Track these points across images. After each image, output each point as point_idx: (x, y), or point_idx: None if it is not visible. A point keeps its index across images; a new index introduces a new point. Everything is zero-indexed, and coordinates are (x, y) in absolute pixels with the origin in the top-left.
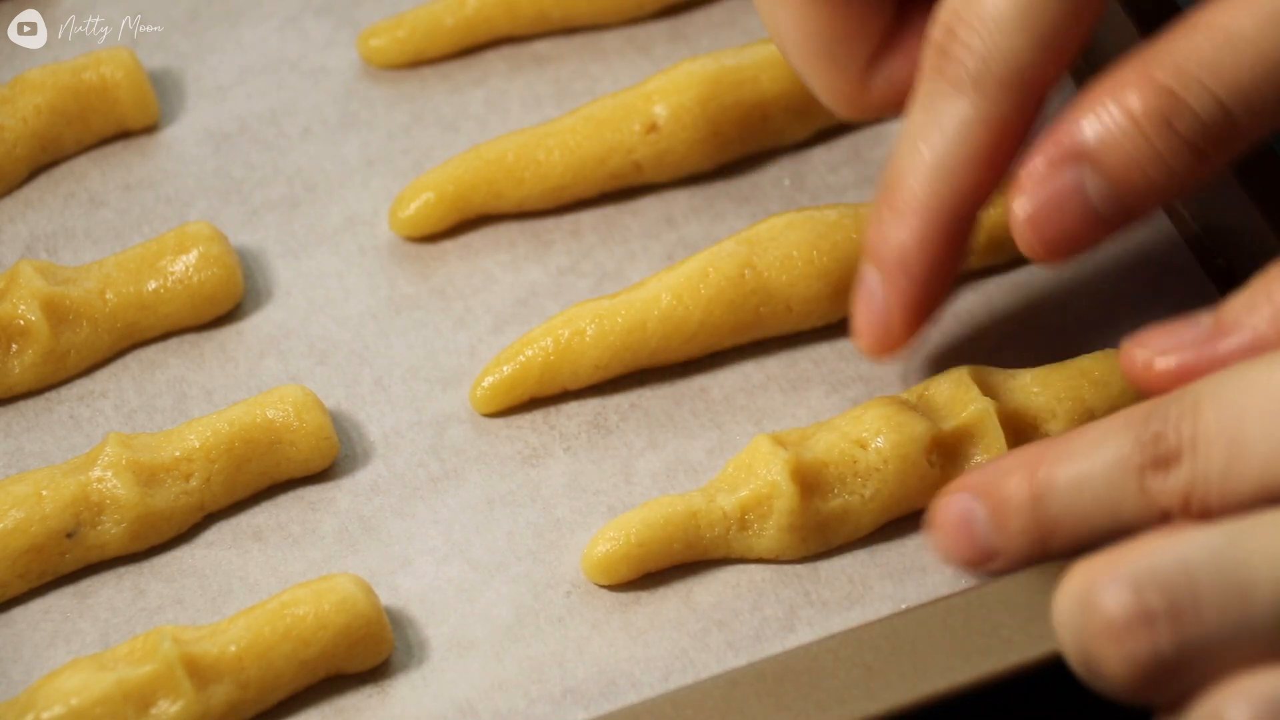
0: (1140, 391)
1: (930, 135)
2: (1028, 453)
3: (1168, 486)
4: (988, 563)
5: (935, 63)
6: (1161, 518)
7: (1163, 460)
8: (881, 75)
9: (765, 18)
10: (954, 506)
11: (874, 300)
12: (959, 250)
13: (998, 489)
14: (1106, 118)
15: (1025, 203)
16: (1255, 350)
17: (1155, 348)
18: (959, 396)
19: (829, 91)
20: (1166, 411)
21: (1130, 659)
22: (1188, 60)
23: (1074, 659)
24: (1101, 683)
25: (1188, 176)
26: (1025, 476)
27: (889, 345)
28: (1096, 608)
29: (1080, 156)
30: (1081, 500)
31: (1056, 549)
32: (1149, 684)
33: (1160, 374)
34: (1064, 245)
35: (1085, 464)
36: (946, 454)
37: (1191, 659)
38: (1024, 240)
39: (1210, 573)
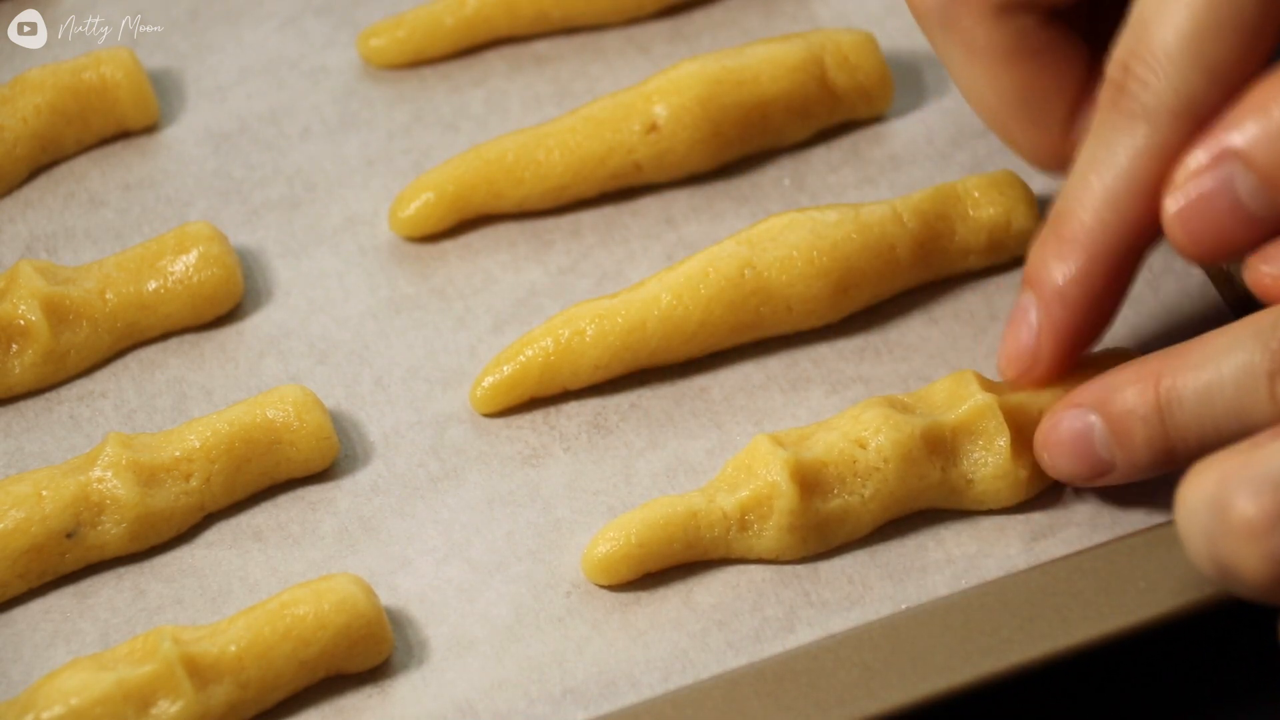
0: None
1: (1101, 167)
2: (1145, 365)
3: None
4: (1103, 475)
5: (1111, 98)
6: None
7: None
8: (1082, 128)
9: (959, 82)
10: (1067, 422)
11: (1026, 327)
12: (1121, 286)
13: (1117, 402)
14: (1260, 112)
15: (1176, 198)
16: None
17: None
18: (959, 393)
19: (1031, 149)
20: None
21: (1272, 557)
22: None
23: (1204, 561)
24: (1235, 583)
25: None
26: (1149, 387)
27: (1033, 375)
28: (1233, 509)
29: (1232, 154)
30: (1212, 408)
31: (1182, 457)
32: None
33: None
34: (1213, 244)
35: (1213, 372)
36: (947, 452)
37: None
38: (1174, 237)
39: None
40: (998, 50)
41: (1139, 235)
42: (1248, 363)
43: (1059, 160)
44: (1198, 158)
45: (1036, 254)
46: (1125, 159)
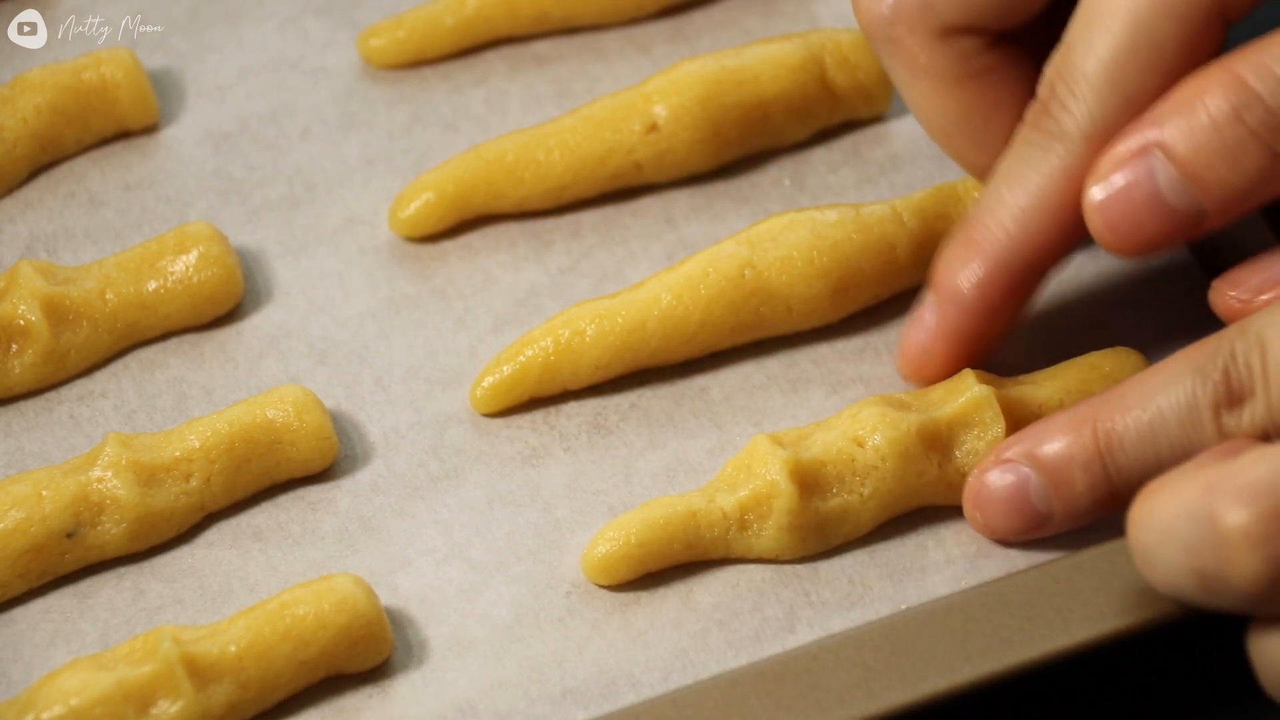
0: None
1: (1015, 181)
2: (1075, 412)
3: (1244, 421)
4: (1040, 528)
5: (1034, 116)
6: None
7: (1236, 396)
8: None
9: (905, 99)
10: (997, 478)
11: (922, 325)
12: (1020, 299)
13: (1050, 452)
14: (1184, 107)
15: (1098, 187)
16: None
17: (1250, 286)
18: (957, 389)
19: (974, 167)
20: (1231, 348)
21: (1268, 561)
22: (1268, 55)
23: (1181, 576)
24: (1221, 594)
25: (1259, 176)
26: (1085, 433)
27: (923, 371)
28: (1225, 518)
29: (1155, 146)
30: (1155, 446)
31: (1124, 500)
32: None
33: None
34: (1131, 234)
35: (1154, 410)
36: (944, 446)
37: None
38: (1094, 227)
39: None
40: (941, 72)
41: (1043, 251)
42: (1189, 397)
43: None
44: (1122, 149)
45: (943, 256)
46: (1038, 176)
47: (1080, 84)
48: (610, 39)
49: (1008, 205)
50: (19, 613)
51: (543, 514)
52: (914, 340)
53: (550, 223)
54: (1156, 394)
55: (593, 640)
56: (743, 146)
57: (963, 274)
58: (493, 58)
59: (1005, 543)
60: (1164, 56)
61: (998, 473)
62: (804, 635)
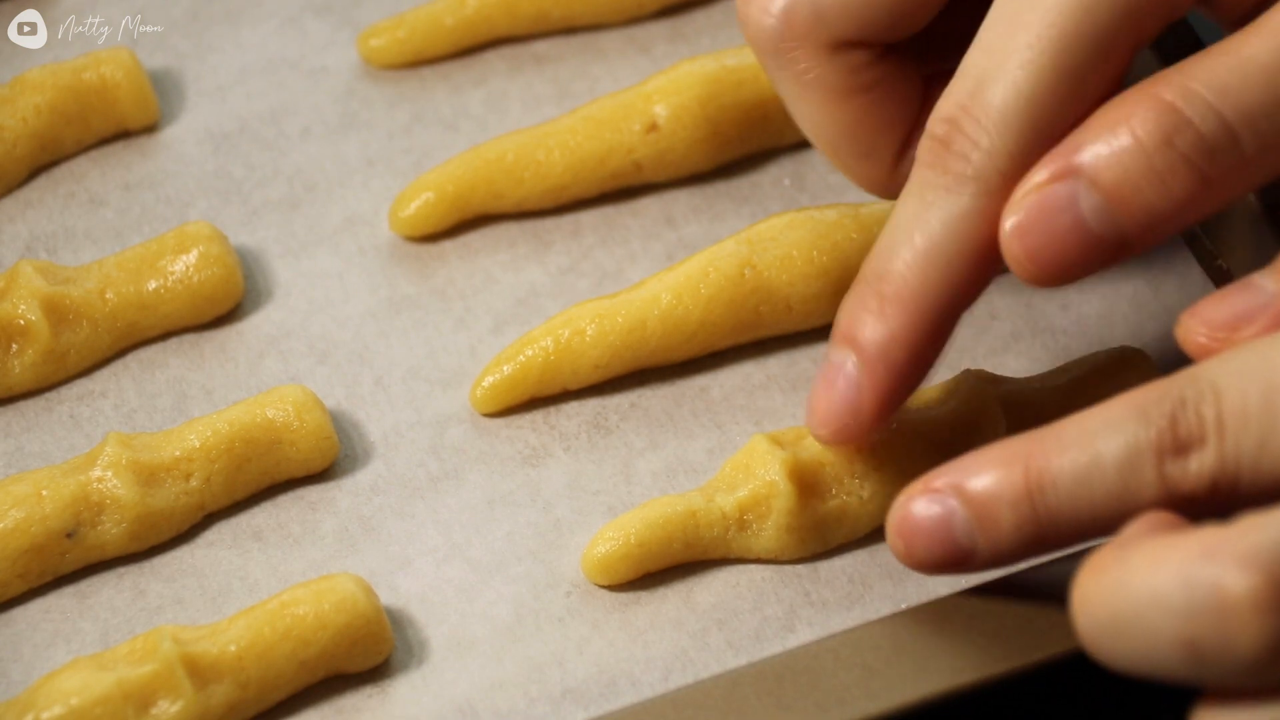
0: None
1: (926, 227)
2: (1008, 447)
3: (1191, 471)
4: (963, 564)
5: (935, 155)
6: (1180, 507)
7: (1184, 445)
8: (910, 159)
9: (792, 112)
10: (923, 507)
11: (844, 384)
12: (941, 343)
13: (979, 486)
14: (1108, 133)
15: (1016, 214)
16: None
17: (1220, 325)
18: (956, 388)
19: (863, 179)
20: (1181, 393)
21: (1277, 630)
22: (1195, 79)
23: (1178, 645)
24: (1220, 664)
25: (1188, 201)
26: (1016, 470)
27: (852, 435)
28: (1231, 584)
29: (1077, 171)
30: (1090, 490)
31: (1052, 544)
32: None
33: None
34: (1052, 262)
35: (1092, 452)
36: (944, 448)
37: None
38: (1010, 252)
39: None
40: (830, 87)
41: (964, 295)
42: (1132, 442)
43: (889, 190)
44: (1042, 176)
45: (853, 311)
46: (952, 219)
47: (994, 118)
48: (610, 39)
49: (921, 251)
50: (19, 613)
51: (543, 514)
52: (839, 402)
53: (550, 223)
54: (1096, 436)
55: (593, 640)
56: (743, 146)
57: (884, 330)
58: (493, 58)
59: (926, 574)
60: (1083, 86)
61: (924, 502)
62: (804, 635)
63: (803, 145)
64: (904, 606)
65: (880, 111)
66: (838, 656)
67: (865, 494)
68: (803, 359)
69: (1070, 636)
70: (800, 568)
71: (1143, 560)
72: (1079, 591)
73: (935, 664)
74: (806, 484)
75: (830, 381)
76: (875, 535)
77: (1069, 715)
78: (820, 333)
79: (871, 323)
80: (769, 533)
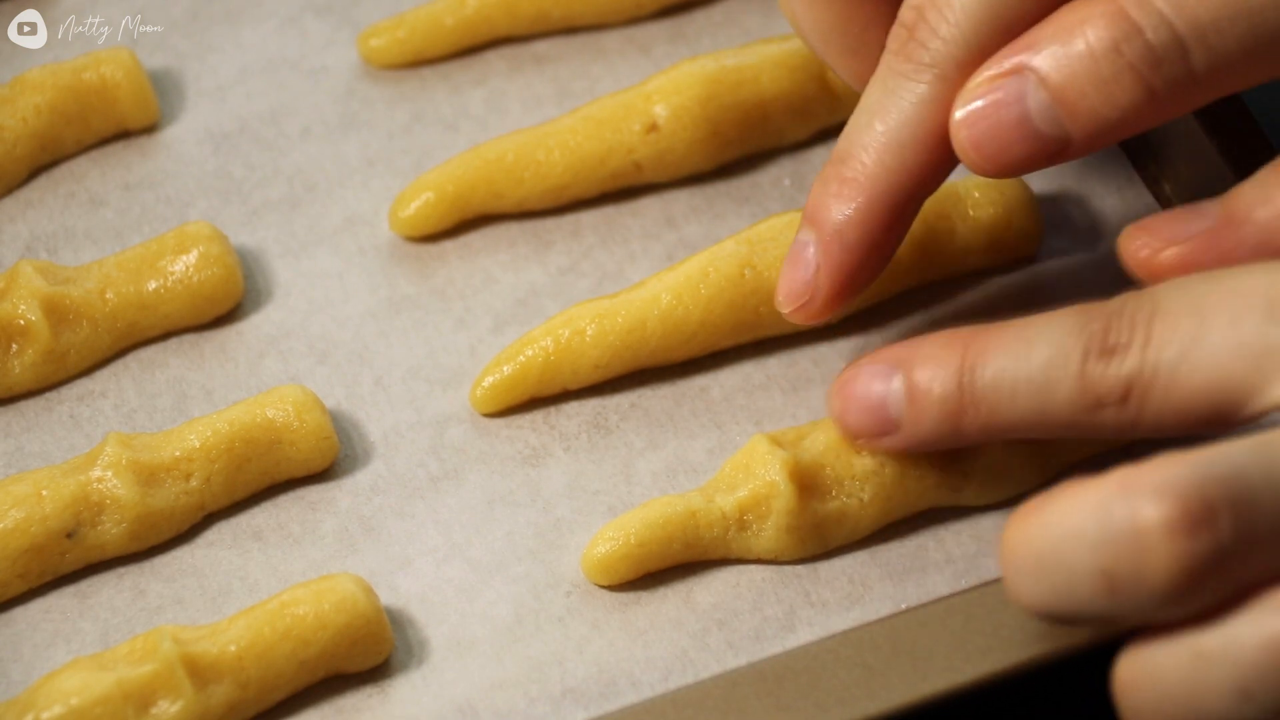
0: (1140, 280)
1: (886, 113)
2: (956, 333)
3: (1109, 373)
4: (887, 436)
5: (900, 43)
6: (1091, 409)
7: (1111, 348)
8: None
9: (786, 12)
10: (866, 375)
11: (804, 264)
12: (899, 229)
13: (919, 363)
14: (1063, 33)
15: (965, 105)
16: (1261, 247)
17: (1162, 237)
18: None
19: (850, 75)
20: (1124, 305)
21: (1188, 556)
22: None
23: (1096, 576)
24: (1134, 594)
25: (1131, 110)
26: (954, 354)
27: (810, 313)
28: (1144, 511)
29: (1028, 69)
30: (1015, 375)
31: (969, 433)
32: (1197, 585)
33: (1164, 264)
34: (997, 157)
35: (1024, 346)
36: (944, 449)
37: (1246, 556)
38: (957, 141)
39: (1260, 470)
40: None
41: (920, 181)
42: (1063, 337)
43: None
44: (994, 70)
45: (818, 192)
46: (910, 106)
47: (952, 8)
48: (610, 39)
49: (880, 137)
50: (19, 613)
51: (543, 514)
52: (799, 279)
53: (550, 223)
54: (1035, 330)
55: (593, 640)
56: (743, 146)
57: (842, 211)
58: (493, 58)
59: (850, 437)
60: None
61: (867, 369)
62: (804, 635)
63: (803, 145)
64: (904, 606)
65: (866, 8)
66: (838, 656)
67: (865, 496)
68: (803, 359)
69: (1070, 636)
70: (800, 568)
71: (1063, 502)
72: (1005, 541)
73: (935, 664)
74: (807, 485)
75: (794, 260)
76: (875, 536)
77: (1068, 715)
78: (820, 333)
79: (831, 204)
80: (769, 533)
